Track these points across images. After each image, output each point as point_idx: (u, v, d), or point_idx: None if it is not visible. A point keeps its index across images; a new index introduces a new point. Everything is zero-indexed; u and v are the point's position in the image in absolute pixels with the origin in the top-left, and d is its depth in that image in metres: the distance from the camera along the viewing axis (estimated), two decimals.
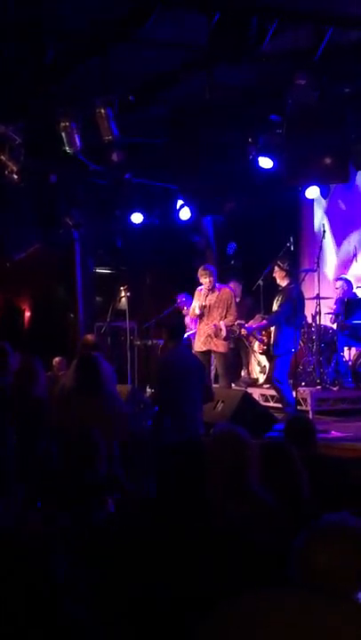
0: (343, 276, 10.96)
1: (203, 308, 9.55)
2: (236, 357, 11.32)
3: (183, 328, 7.89)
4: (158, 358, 10.21)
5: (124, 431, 5.80)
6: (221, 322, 9.44)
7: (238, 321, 10.04)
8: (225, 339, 9.52)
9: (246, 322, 10.38)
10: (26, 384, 6.23)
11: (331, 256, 12.02)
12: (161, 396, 7.38)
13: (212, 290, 9.55)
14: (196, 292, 9.73)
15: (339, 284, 10.63)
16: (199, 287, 9.69)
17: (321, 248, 10.41)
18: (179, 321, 8.63)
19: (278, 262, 9.37)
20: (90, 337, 8.12)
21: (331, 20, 7.52)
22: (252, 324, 10.13)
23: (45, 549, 2.46)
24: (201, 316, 9.61)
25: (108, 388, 6.04)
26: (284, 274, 9.26)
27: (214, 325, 9.44)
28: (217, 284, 9.62)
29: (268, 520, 3.35)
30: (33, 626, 2.29)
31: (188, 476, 2.97)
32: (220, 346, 9.53)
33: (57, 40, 7.70)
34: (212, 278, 9.53)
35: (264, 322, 9.55)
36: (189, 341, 10.40)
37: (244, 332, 10.10)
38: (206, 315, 9.53)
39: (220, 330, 9.43)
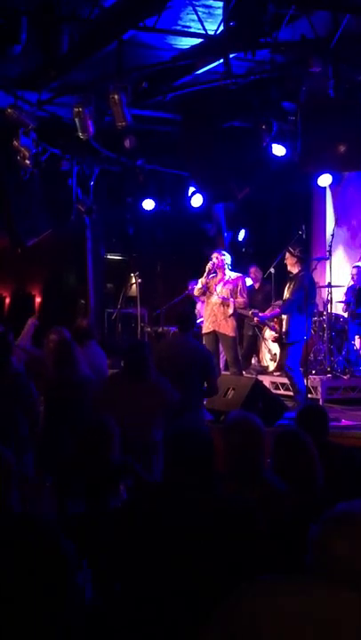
0: (358, 263, 10.94)
1: (207, 285, 9.54)
2: (255, 345, 11.33)
3: (189, 317, 7.68)
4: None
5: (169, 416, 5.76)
6: (231, 299, 9.44)
7: (253, 310, 10.06)
8: (231, 315, 9.49)
9: (264, 308, 10.41)
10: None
11: (343, 244, 12.01)
12: None
13: (220, 271, 9.54)
14: (207, 267, 9.68)
15: (354, 271, 10.61)
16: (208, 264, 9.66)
17: (333, 235, 10.39)
18: (186, 310, 8.56)
19: (290, 249, 9.35)
20: (83, 322, 7.97)
21: (347, 7, 7.48)
22: (268, 312, 10.21)
23: (58, 535, 2.48)
24: (207, 296, 9.62)
25: (155, 374, 5.94)
26: (295, 260, 9.24)
27: (222, 297, 9.43)
28: (229, 272, 9.60)
29: (280, 506, 3.37)
30: (42, 610, 2.30)
31: (199, 462, 2.98)
32: (226, 328, 9.47)
33: (71, 27, 7.68)
34: (219, 260, 9.53)
35: (277, 310, 9.54)
36: (200, 329, 10.42)
37: (257, 320, 10.11)
38: (214, 295, 9.53)
39: (228, 304, 9.43)
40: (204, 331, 9.79)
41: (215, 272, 9.57)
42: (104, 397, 5.87)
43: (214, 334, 9.59)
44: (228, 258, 9.71)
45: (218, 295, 9.48)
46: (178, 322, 7.61)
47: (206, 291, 9.60)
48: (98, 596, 2.87)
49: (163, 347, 7.80)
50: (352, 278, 10.58)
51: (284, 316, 9.27)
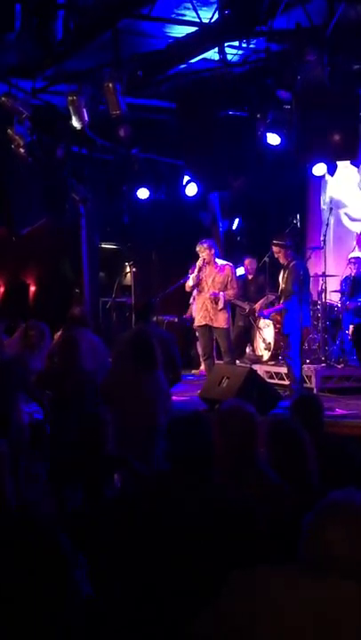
0: (357, 254, 10.95)
1: (198, 280, 9.55)
2: (245, 335, 11.36)
3: (149, 306, 7.91)
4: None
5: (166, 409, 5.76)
6: (221, 292, 9.44)
7: (258, 311, 10.14)
8: (222, 309, 9.51)
9: (257, 298, 10.41)
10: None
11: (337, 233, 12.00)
12: None
13: (211, 265, 9.55)
14: (197, 265, 9.71)
15: (353, 260, 10.63)
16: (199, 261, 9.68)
17: (328, 225, 10.39)
18: (147, 300, 8.65)
19: (273, 241, 9.37)
20: (77, 310, 7.97)
21: None
22: (262, 303, 10.23)
23: (58, 535, 2.48)
24: (199, 290, 9.63)
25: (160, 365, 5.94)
26: (283, 250, 9.24)
27: (213, 294, 9.44)
28: (217, 261, 9.62)
29: (275, 498, 3.37)
30: (42, 610, 2.30)
31: (199, 462, 2.98)
32: (220, 321, 9.53)
33: (66, 15, 7.63)
34: (209, 252, 9.53)
35: (281, 305, 9.55)
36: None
37: (261, 318, 10.22)
38: (206, 290, 9.55)
39: (219, 299, 9.43)
40: (196, 324, 9.83)
41: (205, 265, 9.57)
42: (115, 390, 5.83)
43: (207, 327, 9.63)
44: (214, 248, 9.70)
45: (209, 290, 9.48)
46: (137, 311, 7.73)
47: (198, 286, 9.61)
48: (97, 595, 2.87)
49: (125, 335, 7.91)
50: (352, 267, 10.59)
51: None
